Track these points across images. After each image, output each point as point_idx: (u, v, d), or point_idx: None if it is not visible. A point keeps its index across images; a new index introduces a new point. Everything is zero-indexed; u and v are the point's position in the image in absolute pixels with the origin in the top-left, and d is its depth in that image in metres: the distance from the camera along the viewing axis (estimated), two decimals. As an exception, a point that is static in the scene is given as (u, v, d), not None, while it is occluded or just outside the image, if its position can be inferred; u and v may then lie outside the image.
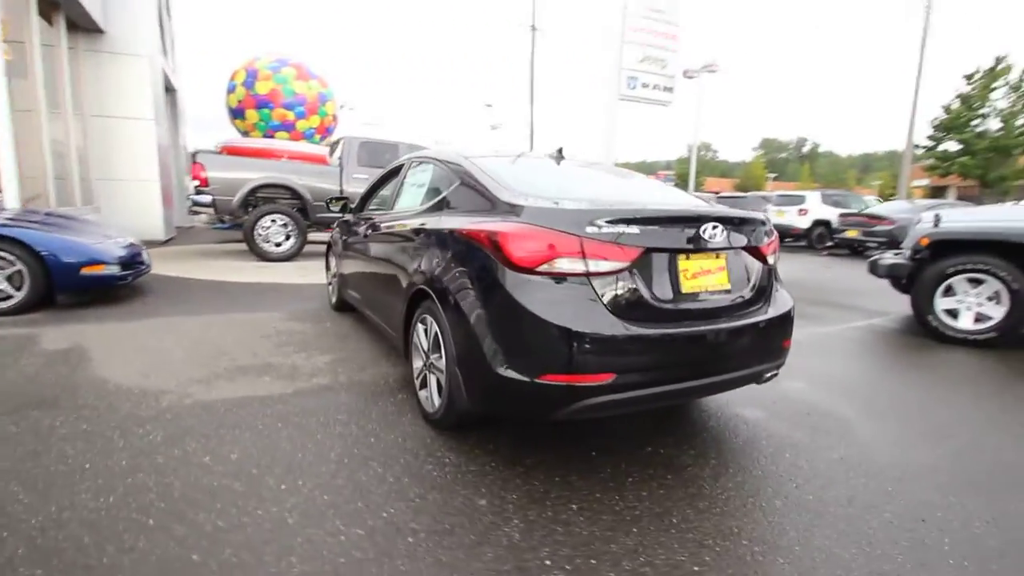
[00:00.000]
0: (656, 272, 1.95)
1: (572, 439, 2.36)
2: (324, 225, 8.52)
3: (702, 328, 1.99)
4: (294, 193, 7.91)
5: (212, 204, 7.43)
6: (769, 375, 2.30)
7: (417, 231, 2.61)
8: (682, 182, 43.61)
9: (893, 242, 10.95)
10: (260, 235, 7.68)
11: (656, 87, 20.67)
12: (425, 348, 2.46)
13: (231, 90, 13.84)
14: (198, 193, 7.51)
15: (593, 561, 1.58)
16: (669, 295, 1.97)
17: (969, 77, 24.19)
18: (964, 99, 24.37)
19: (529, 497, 1.91)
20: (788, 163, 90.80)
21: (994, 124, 23.57)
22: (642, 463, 2.19)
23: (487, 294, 1.97)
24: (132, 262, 4.79)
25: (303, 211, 7.97)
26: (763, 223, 2.31)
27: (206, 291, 5.51)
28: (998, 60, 23.43)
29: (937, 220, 4.50)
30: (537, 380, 1.82)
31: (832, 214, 13.97)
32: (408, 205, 3.07)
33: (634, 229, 1.91)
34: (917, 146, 26.82)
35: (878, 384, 3.40)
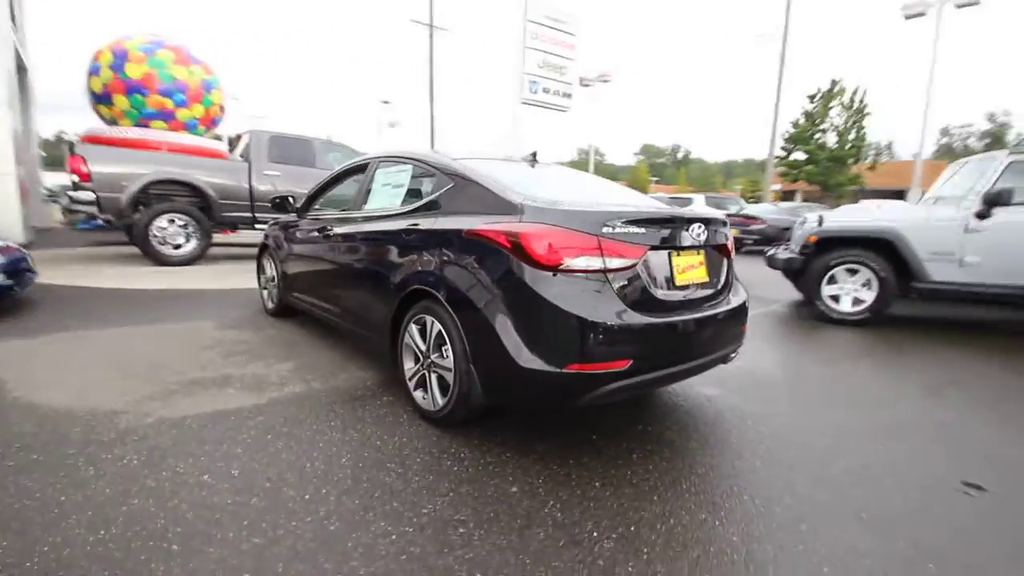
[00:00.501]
0: (657, 267, 2.18)
1: (568, 426, 2.51)
2: (230, 226, 7.87)
3: (694, 316, 2.25)
4: (195, 190, 7.19)
5: (96, 202, 6.52)
6: (734, 355, 2.64)
7: (407, 232, 2.60)
8: (577, 184, 45.58)
9: (765, 239, 12.56)
10: (156, 237, 6.90)
11: (556, 93, 21.60)
12: (423, 348, 2.48)
13: (94, 72, 12.05)
14: (76, 189, 6.55)
15: (632, 528, 1.75)
16: (667, 288, 2.21)
17: (812, 97, 28.26)
18: (808, 116, 28.42)
19: (554, 480, 2.03)
20: (665, 168, 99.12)
21: (832, 138, 27.78)
22: (639, 441, 2.41)
23: (508, 292, 2.06)
24: (17, 269, 4.11)
25: (206, 210, 7.28)
26: (724, 223, 2.64)
27: (109, 300, 4.86)
28: (834, 83, 27.67)
29: (821, 220, 5.32)
30: (563, 370, 1.95)
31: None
32: (384, 205, 3.02)
33: (640, 229, 2.11)
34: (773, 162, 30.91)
35: (795, 359, 3.98)
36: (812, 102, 28.38)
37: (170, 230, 6.96)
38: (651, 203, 2.75)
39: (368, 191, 3.22)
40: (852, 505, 1.95)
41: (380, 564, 1.53)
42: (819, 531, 1.79)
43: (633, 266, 2.07)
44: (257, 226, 7.73)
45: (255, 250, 4.85)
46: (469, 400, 2.24)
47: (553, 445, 2.32)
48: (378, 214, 2.98)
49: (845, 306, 5.10)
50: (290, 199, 4.02)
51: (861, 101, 27.20)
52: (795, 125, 28.96)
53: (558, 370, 1.96)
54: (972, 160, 5.46)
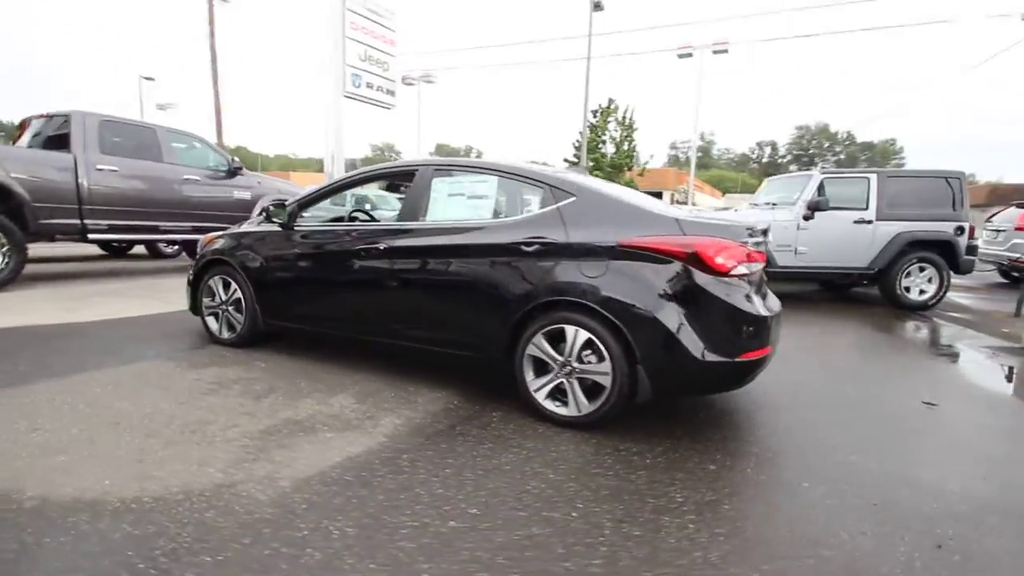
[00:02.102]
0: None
1: (668, 412, 2.87)
2: (46, 236, 5.97)
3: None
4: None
5: None
6: None
7: (528, 244, 2.61)
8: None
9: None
10: (-67, 256, 4.87)
11: (380, 89, 20.90)
12: (558, 357, 2.55)
13: None
14: None
15: (830, 471, 2.24)
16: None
17: (595, 112, 32.88)
18: (592, 128, 32.99)
19: (726, 452, 2.39)
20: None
21: (611, 148, 32.80)
22: (730, 413, 2.90)
23: (683, 296, 2.33)
24: None
25: (15, 216, 5.39)
26: None
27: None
28: (610, 101, 32.67)
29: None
30: (737, 359, 2.33)
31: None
32: (462, 216, 2.90)
33: (759, 238, 2.60)
34: (566, 160, 35.32)
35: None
36: (595, 117, 33.02)
37: (-41, 246, 4.98)
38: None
39: (427, 202, 3.03)
40: (895, 428, 2.78)
41: (721, 545, 1.71)
42: (891, 448, 2.52)
43: (759, 270, 2.55)
44: (90, 236, 6.02)
45: (81, 266, 3.92)
46: (633, 399, 2.44)
47: (685, 429, 2.65)
48: (464, 226, 2.86)
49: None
50: (276, 207, 3.42)
51: (631, 118, 32.73)
52: (581, 135, 33.32)
53: (734, 360, 2.33)
54: (783, 176, 7.41)
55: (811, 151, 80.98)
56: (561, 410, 2.59)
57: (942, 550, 1.75)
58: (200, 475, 2.03)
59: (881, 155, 75.68)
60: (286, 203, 3.41)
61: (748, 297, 2.40)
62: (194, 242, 7.84)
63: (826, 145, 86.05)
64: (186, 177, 6.87)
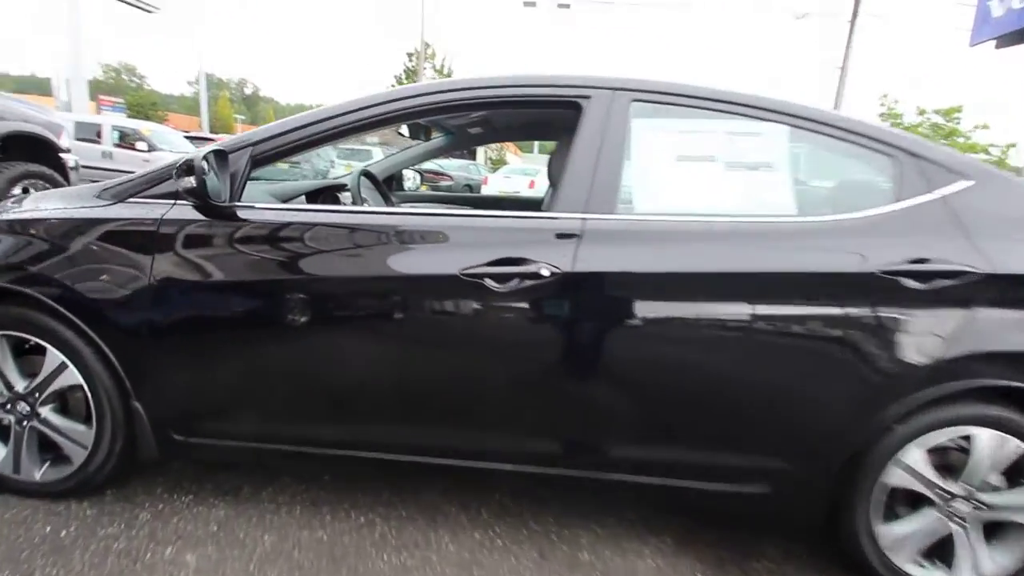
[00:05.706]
0: None
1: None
2: None
3: None
4: None
5: None
6: None
7: (913, 272, 1.27)
8: (135, 112, 34.86)
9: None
10: None
11: (138, -18, 15.37)
12: (951, 489, 1.35)
13: None
14: None
15: None
16: None
17: (411, 55, 30.20)
18: (409, 73, 30.32)
19: None
20: (233, 104, 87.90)
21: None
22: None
23: None
24: None
25: None
26: None
27: None
28: (427, 46, 30.16)
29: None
30: None
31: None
32: (732, 209, 1.37)
33: None
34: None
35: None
36: (411, 60, 30.35)
37: None
38: None
39: (612, 163, 1.39)
40: None
41: None
42: None
43: None
44: None
45: None
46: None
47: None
48: (738, 229, 1.35)
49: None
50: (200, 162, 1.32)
51: (450, 67, 30.90)
52: (399, 81, 30.43)
53: None
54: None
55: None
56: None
57: None
58: None
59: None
60: (209, 156, 1.35)
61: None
62: None
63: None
64: None
